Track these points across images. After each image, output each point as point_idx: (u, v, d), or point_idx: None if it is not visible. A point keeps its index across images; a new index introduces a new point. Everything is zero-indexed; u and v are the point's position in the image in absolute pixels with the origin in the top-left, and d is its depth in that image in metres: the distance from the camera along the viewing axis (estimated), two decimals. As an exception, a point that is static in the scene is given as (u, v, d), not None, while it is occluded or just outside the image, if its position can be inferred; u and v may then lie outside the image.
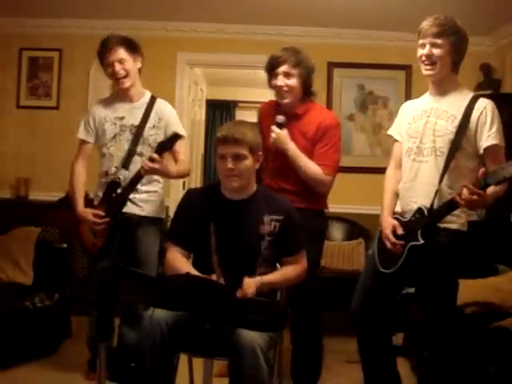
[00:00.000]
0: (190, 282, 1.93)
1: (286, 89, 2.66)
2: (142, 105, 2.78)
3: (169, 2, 4.10)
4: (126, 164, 2.71)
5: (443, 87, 2.32)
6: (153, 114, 2.76)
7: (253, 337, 1.90)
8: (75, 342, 3.48)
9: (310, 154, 2.64)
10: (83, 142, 2.85)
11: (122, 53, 2.68)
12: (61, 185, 4.40)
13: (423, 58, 2.27)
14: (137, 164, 2.69)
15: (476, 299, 3.04)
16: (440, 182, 2.22)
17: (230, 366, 2.00)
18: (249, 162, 2.15)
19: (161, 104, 2.82)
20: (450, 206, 2.16)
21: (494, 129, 2.24)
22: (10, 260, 3.51)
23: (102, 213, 2.70)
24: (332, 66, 4.65)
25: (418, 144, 2.30)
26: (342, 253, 4.33)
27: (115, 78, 2.71)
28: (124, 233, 2.75)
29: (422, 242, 2.20)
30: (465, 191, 2.03)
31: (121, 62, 2.68)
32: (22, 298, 3.24)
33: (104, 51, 2.69)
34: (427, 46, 2.24)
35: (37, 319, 3.23)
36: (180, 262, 2.22)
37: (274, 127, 2.62)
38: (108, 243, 2.73)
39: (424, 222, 2.22)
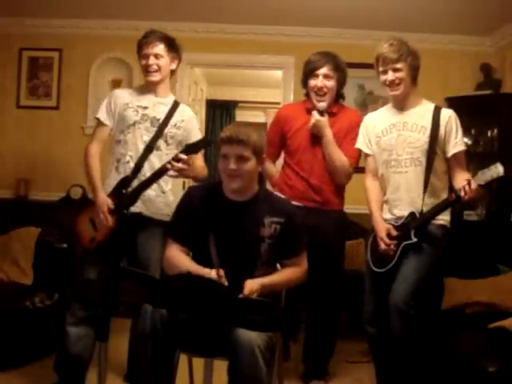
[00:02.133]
0: (190, 281, 1.93)
1: (325, 90, 2.86)
2: (168, 102, 2.80)
3: (169, 2, 4.10)
4: (143, 156, 2.69)
5: (406, 101, 2.58)
6: (177, 114, 2.79)
7: (252, 337, 1.90)
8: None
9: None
10: (101, 125, 2.77)
11: (160, 49, 2.71)
12: (61, 185, 4.43)
13: (387, 83, 2.54)
14: (151, 158, 2.70)
15: (476, 299, 3.04)
16: (425, 188, 2.48)
17: (228, 366, 2.00)
18: (252, 163, 2.14)
19: (185, 107, 2.89)
20: (443, 205, 2.46)
21: (459, 136, 2.53)
22: (10, 260, 3.51)
23: (111, 205, 2.64)
24: (332, 65, 4.64)
25: (395, 157, 2.55)
26: (341, 253, 4.32)
27: (146, 71, 2.74)
28: (127, 232, 2.70)
29: (415, 240, 2.45)
30: (467, 187, 2.29)
31: (156, 56, 2.70)
32: (22, 298, 3.23)
33: (144, 42, 2.72)
34: (390, 72, 2.52)
35: (37, 319, 3.23)
36: (181, 258, 2.21)
37: (314, 112, 2.85)
38: (109, 240, 2.65)
39: (416, 223, 2.47)
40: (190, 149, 2.63)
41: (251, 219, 2.19)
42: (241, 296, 1.99)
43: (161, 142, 2.74)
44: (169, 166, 2.60)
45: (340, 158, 2.84)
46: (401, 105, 2.60)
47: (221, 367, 2.15)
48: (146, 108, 2.74)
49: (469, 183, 2.29)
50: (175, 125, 2.77)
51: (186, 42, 4.60)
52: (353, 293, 3.86)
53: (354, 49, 4.57)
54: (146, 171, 2.69)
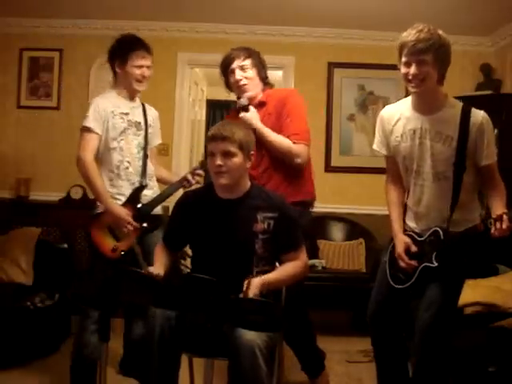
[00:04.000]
0: (190, 282, 1.94)
1: (245, 81, 2.72)
2: (139, 105, 2.89)
3: (169, 2, 4.10)
4: (144, 164, 2.81)
5: (430, 102, 2.20)
6: (148, 115, 2.91)
7: (252, 337, 1.90)
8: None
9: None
10: (91, 133, 2.71)
11: (150, 59, 2.81)
12: (61, 185, 4.43)
13: (410, 77, 2.12)
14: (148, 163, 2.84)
15: (476, 299, 3.03)
16: (452, 206, 2.18)
17: (229, 366, 2.00)
18: (238, 159, 2.15)
19: (150, 107, 2.97)
20: (469, 235, 2.16)
21: (490, 147, 2.18)
22: (10, 260, 3.51)
23: (130, 213, 2.69)
24: (332, 65, 4.65)
25: (416, 167, 2.24)
26: (341, 253, 4.33)
27: (137, 80, 2.78)
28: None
29: (435, 264, 2.18)
30: (498, 225, 1.98)
31: (149, 68, 2.80)
32: (22, 297, 3.24)
33: (137, 53, 2.75)
34: (413, 65, 2.10)
35: (37, 319, 3.23)
36: (156, 257, 2.30)
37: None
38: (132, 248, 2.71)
39: (439, 245, 2.19)
40: (206, 164, 2.63)
41: (244, 215, 2.19)
42: (241, 295, 1.98)
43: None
44: (185, 183, 2.78)
45: (280, 142, 2.65)
46: (422, 106, 2.21)
47: (221, 367, 2.16)
48: (127, 114, 2.80)
49: (501, 219, 1.97)
50: (150, 125, 2.90)
51: (186, 42, 4.66)
52: (353, 293, 3.88)
53: (354, 49, 4.59)
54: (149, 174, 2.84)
